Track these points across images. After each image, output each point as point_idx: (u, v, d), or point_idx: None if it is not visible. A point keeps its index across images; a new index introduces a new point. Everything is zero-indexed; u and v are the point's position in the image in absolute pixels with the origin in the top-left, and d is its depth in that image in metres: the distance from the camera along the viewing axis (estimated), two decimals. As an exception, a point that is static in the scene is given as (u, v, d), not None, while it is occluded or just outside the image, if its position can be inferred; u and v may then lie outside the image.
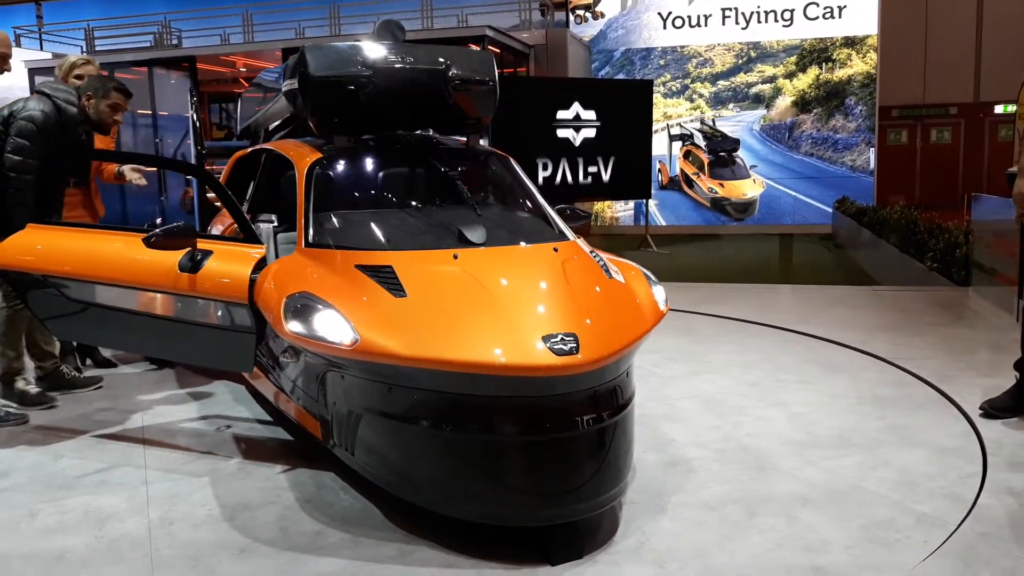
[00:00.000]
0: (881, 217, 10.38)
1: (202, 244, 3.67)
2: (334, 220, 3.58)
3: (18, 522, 3.23)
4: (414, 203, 3.75)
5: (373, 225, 3.56)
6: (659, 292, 3.39)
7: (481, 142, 4.42)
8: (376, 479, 3.03)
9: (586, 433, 2.76)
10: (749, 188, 14.29)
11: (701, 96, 14.51)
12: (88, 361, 5.39)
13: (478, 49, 4.17)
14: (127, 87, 4.96)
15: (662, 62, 14.62)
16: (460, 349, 2.70)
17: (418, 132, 4.36)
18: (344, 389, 3.05)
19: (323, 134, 4.10)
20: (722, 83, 14.39)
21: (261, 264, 3.56)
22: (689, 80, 14.53)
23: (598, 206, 14.73)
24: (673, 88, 14.58)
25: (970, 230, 7.68)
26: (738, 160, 14.30)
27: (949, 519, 2.97)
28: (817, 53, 13.78)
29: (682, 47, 14.48)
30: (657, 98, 14.37)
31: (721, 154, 14.33)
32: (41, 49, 14.99)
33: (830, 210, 13.48)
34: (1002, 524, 2.96)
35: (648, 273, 3.51)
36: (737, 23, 14.17)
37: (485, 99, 4.14)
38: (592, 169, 11.10)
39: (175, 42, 14.62)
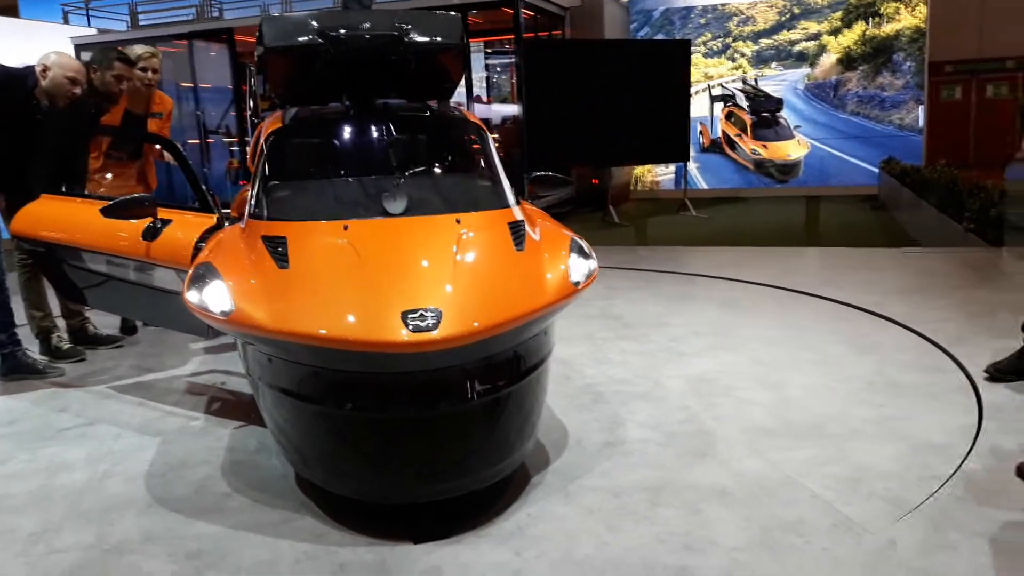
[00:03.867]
0: (922, 177, 10.03)
1: (164, 213, 3.83)
2: (269, 192, 3.63)
3: (-11, 467, 3.49)
4: (349, 173, 3.72)
5: (291, 197, 3.61)
6: (580, 266, 3.21)
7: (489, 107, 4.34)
8: (282, 451, 3.07)
9: (455, 411, 2.69)
10: (793, 149, 13.91)
11: (743, 55, 14.13)
12: None
13: (444, 12, 4.02)
14: (129, 56, 5.15)
15: (702, 21, 14.26)
16: (316, 322, 2.68)
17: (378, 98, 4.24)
18: (248, 357, 3.11)
19: (283, 103, 4.14)
20: (764, 41, 13.98)
21: (210, 233, 3.67)
22: (730, 39, 14.16)
23: (638, 170, 14.52)
24: (714, 47, 14.23)
25: (1004, 188, 7.39)
26: (781, 120, 13.92)
27: (871, 527, 2.70)
28: (863, 8, 13.27)
29: (723, 5, 14.10)
30: (698, 58, 14.05)
31: (764, 115, 13.95)
32: (88, 25, 15.31)
33: (877, 171, 13.06)
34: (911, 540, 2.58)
35: (582, 245, 3.36)
36: (781, -22, 13.72)
37: (450, 63, 4.05)
38: (629, 130, 11.00)
39: (215, 15, 14.76)
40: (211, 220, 3.86)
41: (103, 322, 5.50)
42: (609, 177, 12.23)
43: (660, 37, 14.21)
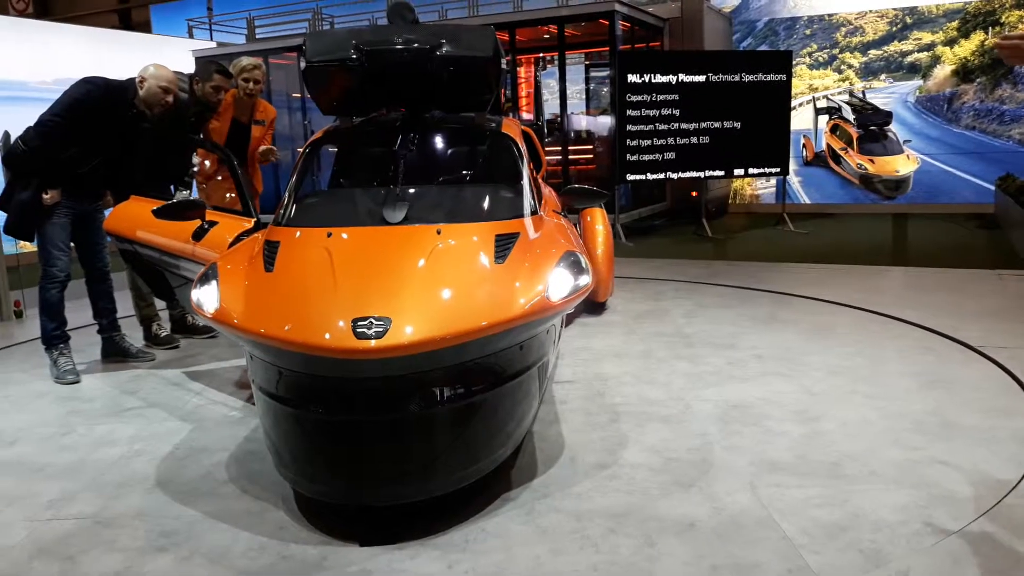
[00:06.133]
0: (1034, 195, 9.42)
1: (211, 216, 4.09)
2: (287, 200, 3.79)
3: (53, 438, 3.89)
4: (359, 183, 3.81)
5: (300, 205, 3.75)
6: (563, 282, 3.12)
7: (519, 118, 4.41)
8: (269, 450, 3.14)
9: (409, 417, 2.68)
10: (902, 164, 13.29)
11: (850, 67, 13.61)
12: None
13: (479, 26, 4.08)
14: (227, 69, 5.52)
15: (808, 32, 13.83)
16: (273, 324, 2.76)
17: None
18: (246, 355, 3.23)
19: (327, 114, 4.30)
20: (873, 52, 13.43)
21: (244, 235, 3.87)
22: (837, 50, 13.68)
23: (737, 183, 14.20)
24: (820, 59, 13.77)
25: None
26: (890, 134, 13.32)
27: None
28: (983, 16, 12.57)
29: (830, 15, 13.63)
30: (802, 69, 13.65)
31: (871, 128, 13.38)
32: (211, 39, 16.20)
33: (993, 188, 12.32)
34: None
35: (578, 259, 3.28)
36: (893, -13, 13.16)
37: (484, 76, 4.10)
38: (724, 142, 10.97)
39: (326, 28, 15.34)
40: (249, 223, 4.08)
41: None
42: (705, 190, 12.02)
43: (764, 48, 13.87)
